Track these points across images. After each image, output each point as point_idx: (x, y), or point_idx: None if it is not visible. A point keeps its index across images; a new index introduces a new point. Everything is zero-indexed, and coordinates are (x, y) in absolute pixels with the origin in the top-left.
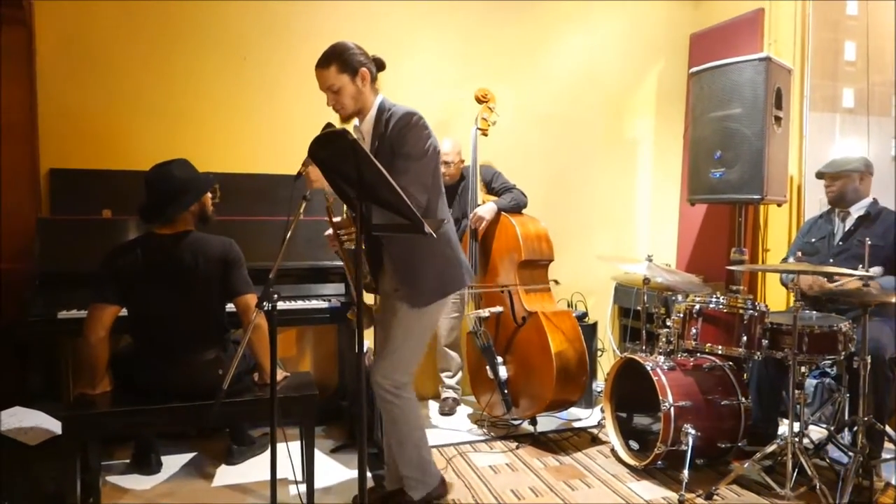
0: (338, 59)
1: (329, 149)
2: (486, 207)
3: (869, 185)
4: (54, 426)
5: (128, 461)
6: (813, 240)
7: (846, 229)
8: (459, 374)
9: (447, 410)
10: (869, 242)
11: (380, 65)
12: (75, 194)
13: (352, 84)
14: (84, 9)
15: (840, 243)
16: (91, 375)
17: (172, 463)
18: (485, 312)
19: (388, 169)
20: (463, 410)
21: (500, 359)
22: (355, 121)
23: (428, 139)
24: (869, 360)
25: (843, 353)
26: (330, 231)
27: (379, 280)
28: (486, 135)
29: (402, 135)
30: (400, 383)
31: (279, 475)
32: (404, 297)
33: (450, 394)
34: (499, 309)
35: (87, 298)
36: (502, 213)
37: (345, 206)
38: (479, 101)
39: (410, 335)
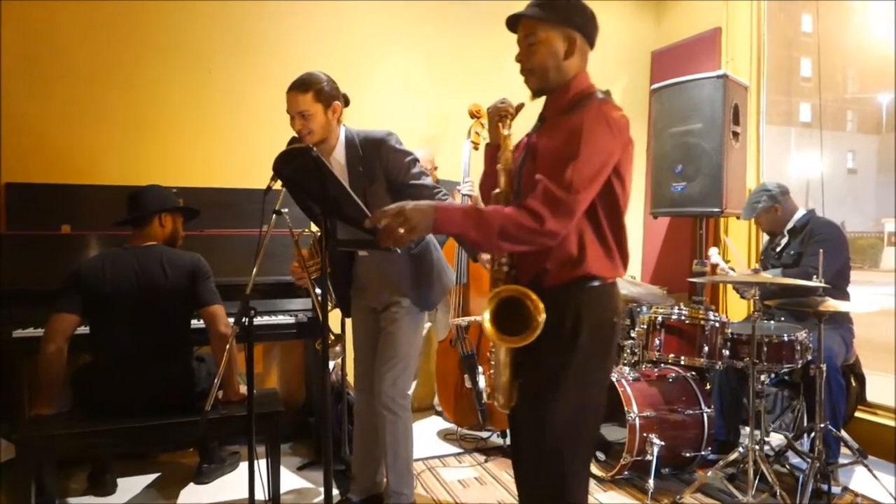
0: (315, 88)
1: (293, 165)
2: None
3: (790, 202)
4: (8, 450)
5: (86, 484)
6: (763, 259)
7: (780, 246)
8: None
9: None
10: (792, 252)
11: (346, 101)
12: (33, 209)
13: (323, 115)
14: (46, 19)
15: (776, 259)
16: (47, 391)
17: (135, 484)
18: (464, 322)
19: (377, 190)
20: (433, 424)
21: (480, 368)
22: None
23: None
24: (824, 368)
25: (801, 361)
26: (295, 264)
27: (355, 299)
28: (476, 149)
29: (396, 156)
30: (405, 393)
31: (244, 494)
32: (414, 303)
33: None
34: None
35: (44, 317)
36: None
37: (311, 240)
38: (472, 115)
39: (415, 340)
